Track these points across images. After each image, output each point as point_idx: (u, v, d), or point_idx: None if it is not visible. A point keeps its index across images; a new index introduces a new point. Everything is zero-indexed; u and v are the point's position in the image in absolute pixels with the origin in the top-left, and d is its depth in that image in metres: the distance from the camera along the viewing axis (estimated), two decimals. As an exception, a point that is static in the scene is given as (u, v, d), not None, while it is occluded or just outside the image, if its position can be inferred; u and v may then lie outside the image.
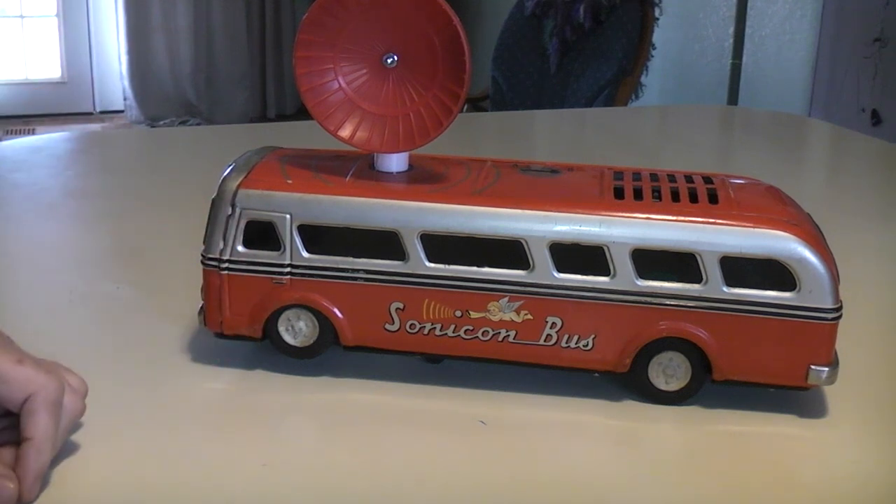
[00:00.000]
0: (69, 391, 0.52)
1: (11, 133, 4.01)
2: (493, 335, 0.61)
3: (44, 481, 0.50)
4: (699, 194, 0.61)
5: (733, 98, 2.61)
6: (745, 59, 2.59)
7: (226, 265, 0.62)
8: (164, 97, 4.39)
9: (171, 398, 0.61)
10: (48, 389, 0.50)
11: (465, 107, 2.56)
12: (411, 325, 0.61)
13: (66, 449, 0.54)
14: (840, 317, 0.59)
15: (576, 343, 0.61)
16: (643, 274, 0.59)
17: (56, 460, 0.53)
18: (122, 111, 4.42)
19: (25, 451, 0.49)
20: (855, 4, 2.37)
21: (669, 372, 0.61)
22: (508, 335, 0.61)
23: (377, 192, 0.61)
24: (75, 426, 0.54)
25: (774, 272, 0.58)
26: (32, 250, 0.87)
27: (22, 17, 4.37)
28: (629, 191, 0.61)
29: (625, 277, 0.59)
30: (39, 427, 0.49)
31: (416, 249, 0.60)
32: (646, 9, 2.54)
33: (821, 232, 0.61)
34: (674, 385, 0.61)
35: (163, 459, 0.55)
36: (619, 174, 0.64)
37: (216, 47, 4.46)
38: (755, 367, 0.60)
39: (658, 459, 0.57)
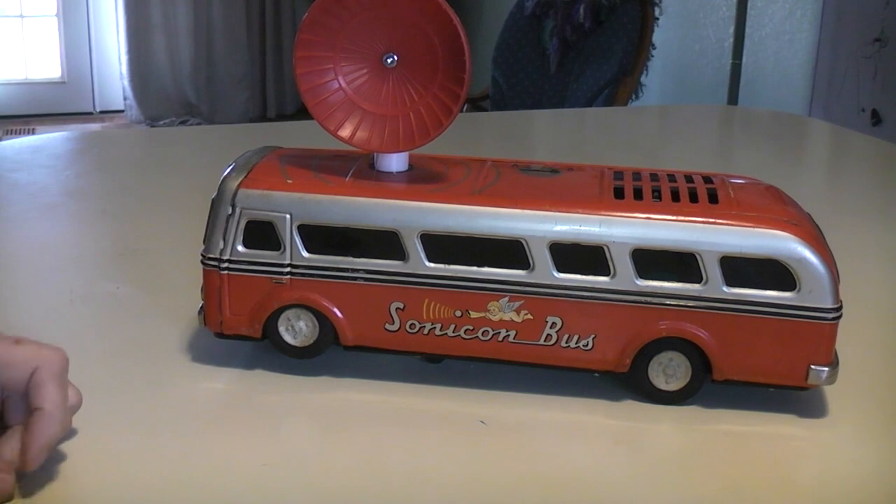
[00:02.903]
0: None
1: (11, 133, 4.01)
2: (493, 335, 0.61)
3: (40, 485, 0.50)
4: (699, 194, 0.61)
5: (733, 98, 2.61)
6: (745, 59, 2.59)
7: (226, 265, 0.62)
8: (164, 97, 4.39)
9: (171, 398, 0.61)
10: (51, 361, 0.50)
11: (465, 107, 2.56)
12: (411, 324, 0.61)
13: (65, 448, 0.54)
14: (840, 317, 0.59)
15: (576, 343, 0.60)
16: (643, 274, 0.59)
17: (56, 460, 0.53)
18: (122, 111, 4.43)
19: (36, 419, 0.48)
20: (855, 4, 2.37)
21: (669, 372, 0.61)
22: (508, 335, 0.61)
23: (377, 192, 0.61)
24: (64, 437, 0.53)
25: (774, 272, 0.58)
26: (32, 250, 0.87)
27: (22, 16, 4.37)
28: (629, 191, 0.61)
29: (625, 277, 0.59)
30: (49, 397, 0.49)
31: (416, 249, 0.60)
32: (646, 9, 2.54)
33: (821, 232, 0.61)
34: (674, 385, 0.61)
35: (163, 459, 0.55)
36: (619, 174, 0.64)
37: (216, 47, 4.46)
38: (755, 367, 0.60)
39: (658, 459, 0.57)
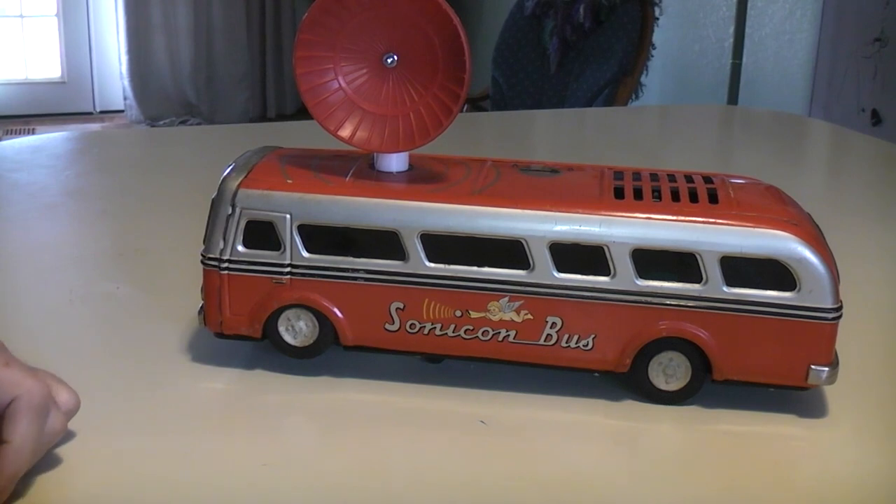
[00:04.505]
0: (52, 408, 0.50)
1: (11, 133, 4.01)
2: (493, 335, 0.61)
3: (24, 492, 0.50)
4: (699, 194, 0.61)
5: (733, 98, 2.61)
6: (745, 59, 2.59)
7: (226, 265, 0.62)
8: (164, 97, 4.40)
9: (171, 398, 0.61)
10: (32, 394, 0.49)
11: (465, 107, 2.57)
12: (411, 324, 0.61)
13: (65, 448, 0.54)
14: (840, 317, 0.59)
15: (576, 343, 0.60)
16: (643, 274, 0.59)
17: (55, 461, 0.53)
18: (122, 111, 4.43)
19: (1, 453, 0.48)
20: (855, 4, 2.37)
21: (669, 372, 0.61)
22: (508, 335, 0.61)
23: (377, 192, 0.61)
24: (56, 442, 0.53)
25: (774, 272, 0.58)
26: (32, 250, 0.87)
27: (22, 16, 4.37)
28: (629, 191, 0.61)
29: (625, 277, 0.59)
30: (18, 431, 0.48)
31: (416, 249, 0.60)
32: (646, 9, 2.54)
33: (821, 232, 0.61)
34: (674, 385, 0.61)
35: (163, 459, 0.55)
36: (619, 174, 0.64)
37: (216, 47, 4.46)
38: (755, 367, 0.60)
39: (658, 459, 0.57)
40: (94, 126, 4.34)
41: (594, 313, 0.60)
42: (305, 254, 0.61)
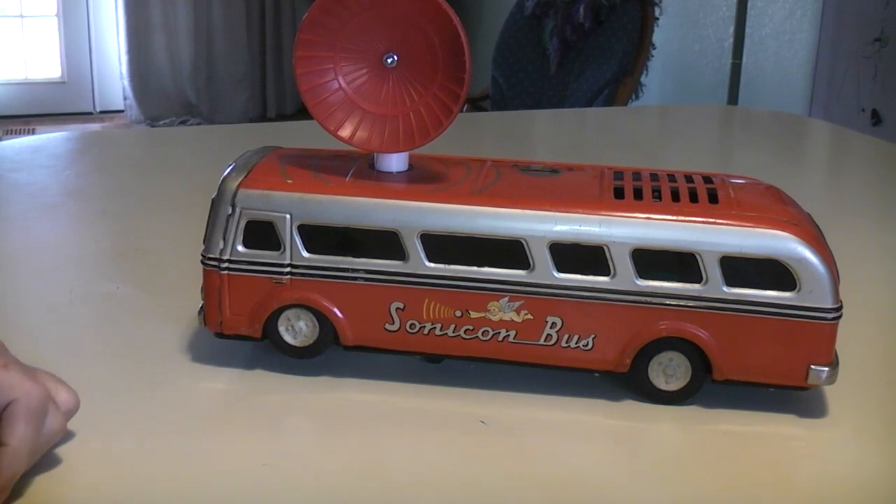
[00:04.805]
0: (52, 407, 0.50)
1: (11, 133, 4.01)
2: (493, 335, 0.61)
3: (24, 492, 0.50)
4: (699, 194, 0.61)
5: (733, 98, 2.61)
6: (745, 59, 2.59)
7: (226, 265, 0.62)
8: (164, 97, 4.40)
9: (171, 398, 0.61)
10: (30, 396, 0.49)
11: (465, 107, 2.57)
12: (411, 324, 0.61)
13: (64, 448, 0.54)
14: (840, 317, 0.59)
15: (576, 343, 0.60)
16: (643, 274, 0.59)
17: (55, 461, 0.53)
18: (122, 111, 4.43)
19: None
20: (855, 4, 2.37)
21: (669, 372, 0.61)
22: (508, 335, 0.61)
23: (377, 192, 0.61)
24: (56, 443, 0.53)
25: (774, 272, 0.58)
26: (32, 250, 0.87)
27: (22, 16, 4.37)
28: (629, 191, 0.61)
29: (625, 277, 0.59)
30: (16, 433, 0.48)
31: (416, 249, 0.60)
32: (646, 9, 2.54)
33: (821, 232, 0.61)
34: (674, 385, 0.61)
35: (162, 459, 0.55)
36: (619, 174, 0.64)
37: (216, 47, 4.47)
38: (755, 367, 0.60)
39: (658, 459, 0.57)
40: (94, 126, 4.34)
41: (594, 313, 0.60)
42: (305, 254, 0.61)
